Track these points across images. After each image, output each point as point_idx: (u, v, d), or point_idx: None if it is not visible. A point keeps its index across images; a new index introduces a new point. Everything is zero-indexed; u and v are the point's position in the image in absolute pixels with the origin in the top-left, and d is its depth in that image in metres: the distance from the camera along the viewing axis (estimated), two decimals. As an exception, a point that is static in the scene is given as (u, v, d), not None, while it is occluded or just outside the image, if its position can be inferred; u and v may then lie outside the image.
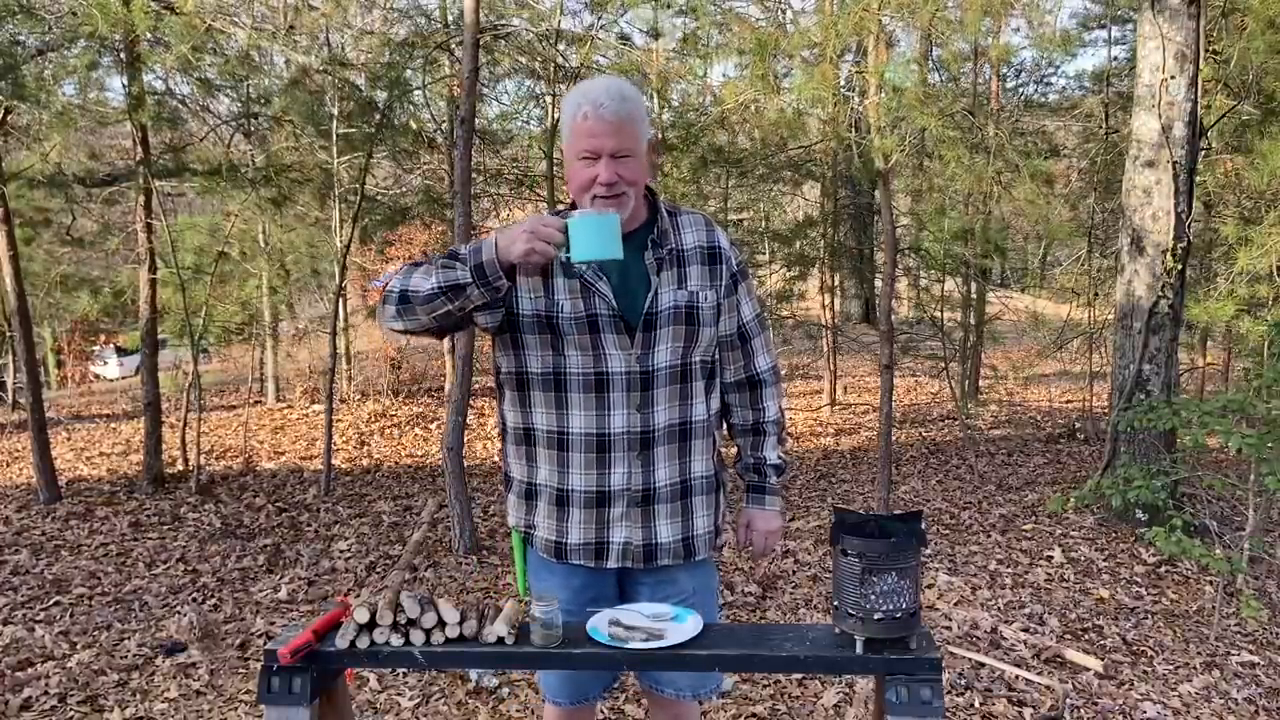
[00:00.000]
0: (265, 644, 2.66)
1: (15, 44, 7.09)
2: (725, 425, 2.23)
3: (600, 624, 1.86)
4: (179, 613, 4.72)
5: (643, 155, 1.95)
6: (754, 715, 3.38)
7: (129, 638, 4.39)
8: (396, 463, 9.22)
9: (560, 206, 2.10)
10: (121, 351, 19.97)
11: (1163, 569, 5.01)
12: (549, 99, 9.53)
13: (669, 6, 8.86)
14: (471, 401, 9.35)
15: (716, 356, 2.11)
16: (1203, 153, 7.01)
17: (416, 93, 9.10)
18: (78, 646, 4.30)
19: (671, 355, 1.99)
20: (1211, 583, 4.70)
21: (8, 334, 9.61)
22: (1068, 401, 11.68)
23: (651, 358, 1.98)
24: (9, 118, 7.63)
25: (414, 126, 9.40)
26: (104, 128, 9.23)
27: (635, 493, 2.01)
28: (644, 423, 1.99)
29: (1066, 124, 13.35)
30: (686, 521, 2.07)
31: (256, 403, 13.57)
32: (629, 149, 1.90)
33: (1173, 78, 5.53)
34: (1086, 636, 4.12)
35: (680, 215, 2.07)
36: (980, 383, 11.89)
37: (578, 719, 2.22)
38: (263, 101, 9.48)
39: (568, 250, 1.77)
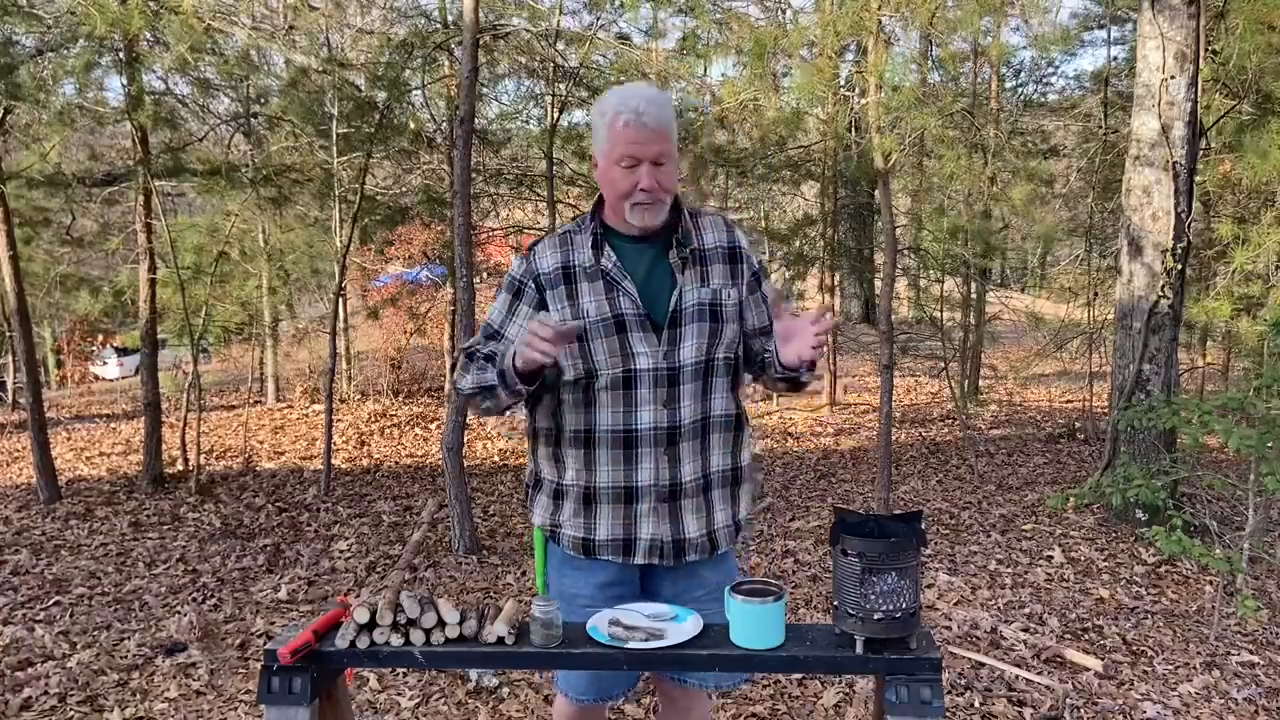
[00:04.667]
0: (265, 644, 2.66)
1: (13, 44, 7.09)
2: (757, 365, 2.15)
3: (600, 624, 1.86)
4: (179, 613, 4.72)
5: (676, 161, 2.00)
6: (754, 715, 3.38)
7: (129, 638, 4.39)
8: (396, 463, 9.22)
9: (572, 217, 2.11)
10: (121, 351, 19.96)
11: (1163, 569, 5.01)
12: (549, 99, 9.52)
13: (670, 2, 8.86)
14: (471, 401, 9.32)
15: (740, 352, 2.13)
16: (1202, 152, 7.01)
17: (416, 93, 9.10)
18: (78, 646, 4.30)
19: (696, 352, 2.03)
20: (1211, 583, 4.70)
21: (8, 334, 9.61)
22: (1068, 401, 11.68)
23: (677, 354, 2.01)
24: (8, 118, 7.63)
25: (413, 126, 9.40)
26: (103, 127, 9.22)
27: (662, 488, 2.03)
28: (670, 419, 2.02)
29: (1065, 124, 13.33)
30: (710, 515, 2.10)
31: (256, 403, 13.57)
32: (667, 155, 1.95)
33: (1172, 77, 5.53)
34: (1086, 636, 4.12)
35: (701, 217, 2.13)
36: (980, 383, 11.89)
37: (591, 717, 2.22)
38: (262, 101, 9.47)
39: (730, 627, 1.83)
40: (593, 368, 1.99)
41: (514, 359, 1.89)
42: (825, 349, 2.04)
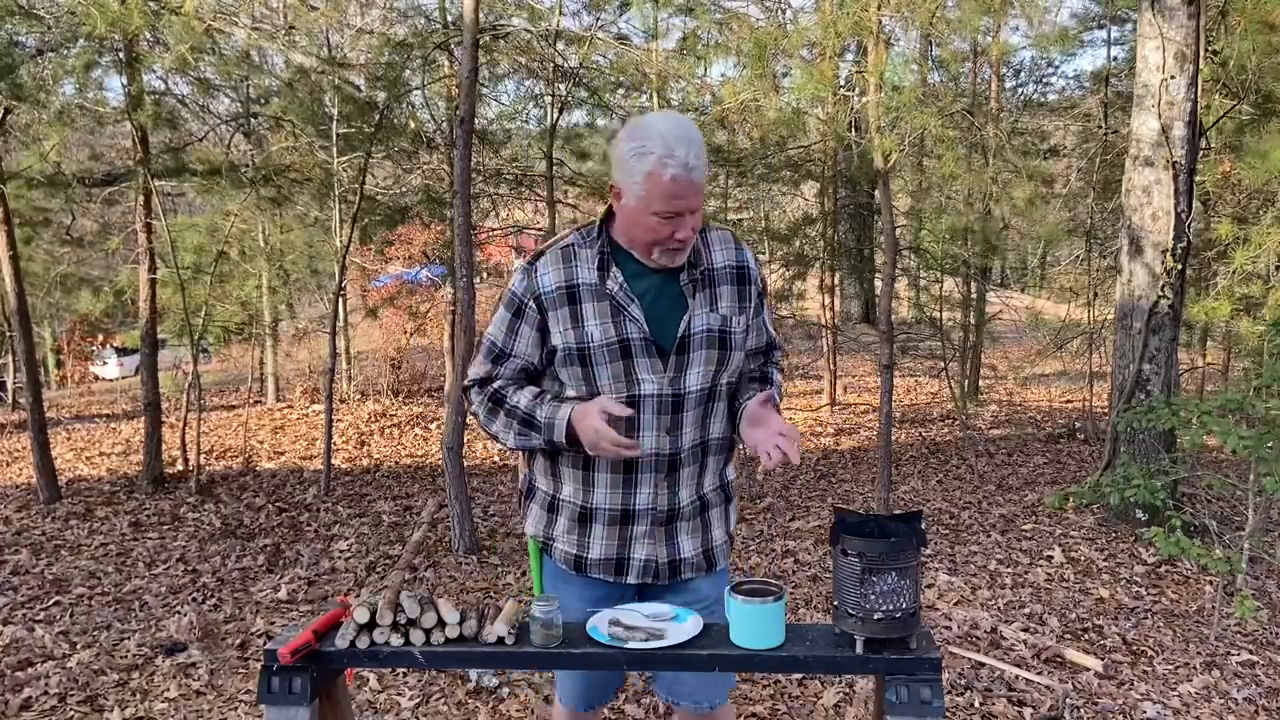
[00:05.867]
0: (265, 644, 2.66)
1: (14, 44, 7.09)
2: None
3: (600, 624, 1.86)
4: (179, 613, 4.72)
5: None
6: (754, 715, 3.38)
7: (129, 638, 4.39)
8: (396, 463, 9.22)
9: (580, 228, 2.02)
10: (121, 351, 19.96)
11: (1163, 569, 5.01)
12: (548, 99, 9.52)
13: (670, 3, 8.85)
14: (471, 401, 9.32)
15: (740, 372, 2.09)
16: (1202, 152, 7.01)
17: (416, 93, 9.10)
18: (78, 646, 4.30)
19: (702, 379, 1.97)
20: (1211, 583, 4.70)
21: (8, 334, 9.61)
22: (1068, 401, 11.68)
23: (683, 381, 1.95)
24: (8, 118, 7.63)
25: (413, 126, 9.40)
26: (103, 127, 9.22)
27: (660, 512, 2.01)
28: (672, 445, 1.97)
29: (1066, 124, 13.33)
30: (706, 534, 2.08)
31: (256, 403, 13.57)
32: (701, 200, 1.88)
33: (1172, 77, 5.53)
34: (1086, 636, 4.12)
35: (710, 232, 2.04)
36: (980, 383, 11.89)
37: None
38: (262, 101, 9.47)
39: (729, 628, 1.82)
40: (596, 391, 1.94)
41: (567, 427, 1.89)
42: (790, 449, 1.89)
